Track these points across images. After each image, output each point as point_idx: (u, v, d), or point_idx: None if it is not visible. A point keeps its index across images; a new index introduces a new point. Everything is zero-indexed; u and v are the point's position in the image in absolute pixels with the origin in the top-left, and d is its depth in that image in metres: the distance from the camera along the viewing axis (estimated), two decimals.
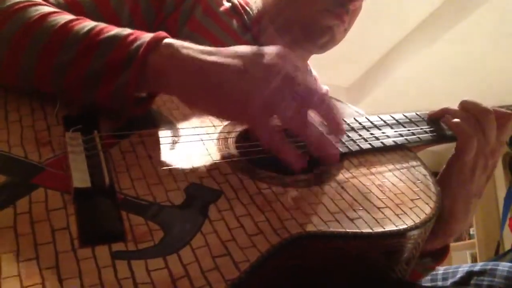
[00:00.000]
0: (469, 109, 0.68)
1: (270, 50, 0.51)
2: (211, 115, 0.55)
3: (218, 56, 0.51)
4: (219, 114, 0.53)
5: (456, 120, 0.68)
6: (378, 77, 3.81)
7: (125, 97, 0.52)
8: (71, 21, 0.55)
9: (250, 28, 0.80)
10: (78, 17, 0.57)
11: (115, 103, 0.53)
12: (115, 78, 0.52)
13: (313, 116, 0.52)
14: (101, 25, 0.55)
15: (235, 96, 0.49)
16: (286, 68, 0.50)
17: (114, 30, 0.54)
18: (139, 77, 0.51)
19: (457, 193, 0.67)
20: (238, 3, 0.82)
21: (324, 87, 0.99)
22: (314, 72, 0.96)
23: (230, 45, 0.76)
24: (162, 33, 0.53)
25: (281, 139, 0.50)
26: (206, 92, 0.50)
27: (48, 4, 0.60)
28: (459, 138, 0.67)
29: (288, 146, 0.51)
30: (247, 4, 0.84)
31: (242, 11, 0.82)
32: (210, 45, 0.75)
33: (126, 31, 0.54)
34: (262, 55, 0.50)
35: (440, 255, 0.72)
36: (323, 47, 0.81)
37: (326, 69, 2.01)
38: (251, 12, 0.83)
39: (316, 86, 0.52)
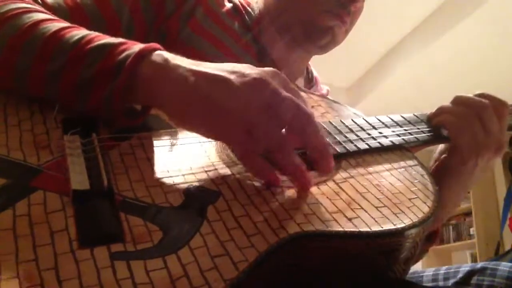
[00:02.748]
0: (463, 103, 0.68)
1: (260, 69, 0.49)
2: (197, 132, 0.52)
3: (208, 70, 0.49)
4: (205, 131, 0.50)
5: (445, 115, 0.68)
6: (378, 78, 3.82)
7: (114, 108, 0.51)
8: (62, 29, 0.54)
9: (251, 29, 0.80)
10: (71, 24, 0.56)
11: (106, 113, 0.52)
12: (104, 87, 0.51)
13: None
14: (93, 33, 0.54)
15: (223, 112, 0.47)
16: (274, 87, 0.47)
17: (105, 39, 0.53)
18: (127, 87, 0.50)
19: (454, 185, 0.68)
20: (239, 4, 0.82)
21: (325, 88, 0.99)
22: (315, 73, 0.96)
23: (230, 46, 0.77)
24: (153, 44, 0.52)
25: (259, 162, 0.49)
26: (193, 105, 0.48)
27: (44, 11, 0.59)
28: (449, 131, 0.67)
29: (266, 169, 0.49)
30: (248, 4, 0.84)
31: (243, 12, 0.82)
32: (210, 46, 0.75)
33: (117, 40, 0.53)
34: (251, 73, 0.48)
35: (431, 237, 0.75)
36: (324, 48, 0.81)
37: (326, 70, 2.02)
38: (252, 13, 0.83)
39: (303, 109, 0.48)
